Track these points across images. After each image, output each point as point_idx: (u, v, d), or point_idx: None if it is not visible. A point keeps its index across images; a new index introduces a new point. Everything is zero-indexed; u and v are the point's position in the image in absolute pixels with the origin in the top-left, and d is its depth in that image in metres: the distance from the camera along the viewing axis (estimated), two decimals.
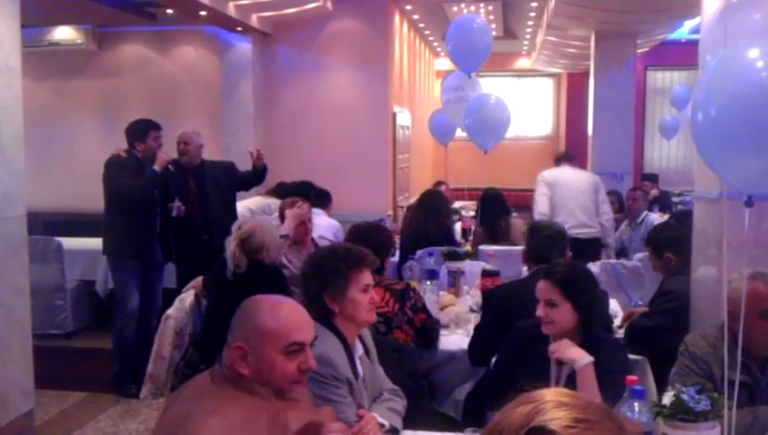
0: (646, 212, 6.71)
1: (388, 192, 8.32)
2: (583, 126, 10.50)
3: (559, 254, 3.32)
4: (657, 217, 6.73)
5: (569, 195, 5.97)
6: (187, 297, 3.87)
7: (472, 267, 4.59)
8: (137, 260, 4.98)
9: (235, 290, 3.19)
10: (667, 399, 2.00)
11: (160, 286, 5.20)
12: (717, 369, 2.36)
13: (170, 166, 4.94)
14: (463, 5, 9.30)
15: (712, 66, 2.10)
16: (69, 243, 6.16)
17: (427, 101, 12.02)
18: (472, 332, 3.46)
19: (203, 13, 6.79)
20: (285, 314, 1.86)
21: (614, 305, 3.95)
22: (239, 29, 7.65)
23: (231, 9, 6.96)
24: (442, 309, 3.87)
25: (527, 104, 14.83)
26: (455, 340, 3.57)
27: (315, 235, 4.78)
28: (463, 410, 3.28)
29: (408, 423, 2.48)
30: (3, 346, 3.80)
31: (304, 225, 4.36)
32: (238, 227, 3.66)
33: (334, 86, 8.15)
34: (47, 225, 7.14)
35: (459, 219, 7.10)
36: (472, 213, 7.43)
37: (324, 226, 5.37)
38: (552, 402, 1.06)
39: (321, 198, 6.00)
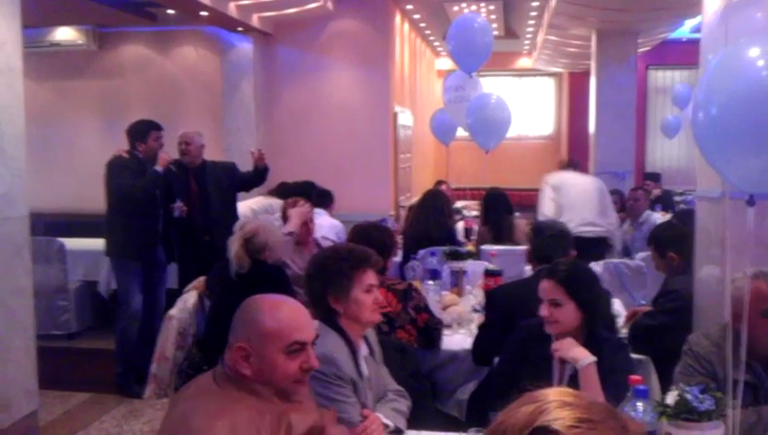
0: (648, 211, 6.71)
1: (389, 192, 8.32)
2: (585, 125, 10.49)
3: (562, 253, 3.32)
4: (659, 217, 6.73)
5: (575, 193, 5.99)
6: (190, 297, 3.88)
7: (474, 267, 4.60)
8: (139, 261, 4.98)
9: (238, 290, 3.17)
10: (671, 398, 2.00)
11: (164, 287, 5.21)
12: (721, 368, 2.35)
13: (172, 166, 4.95)
14: (464, 5, 9.30)
15: (712, 65, 2.09)
16: (71, 244, 6.17)
17: (429, 101, 12.02)
18: (474, 331, 3.46)
19: (204, 13, 6.79)
20: (286, 313, 1.86)
21: (617, 305, 3.95)
22: (240, 29, 7.66)
23: (232, 9, 6.96)
24: (444, 309, 3.87)
25: (528, 104, 14.80)
26: (457, 340, 3.57)
27: (317, 235, 4.78)
28: (466, 410, 3.28)
29: (412, 423, 2.47)
30: (6, 347, 3.80)
31: (306, 225, 4.37)
32: (241, 227, 3.67)
33: (335, 86, 8.15)
34: (49, 225, 7.14)
35: (461, 219, 7.10)
36: (474, 213, 7.45)
37: (326, 226, 5.37)
38: (555, 402, 1.06)
39: (323, 199, 5.99)
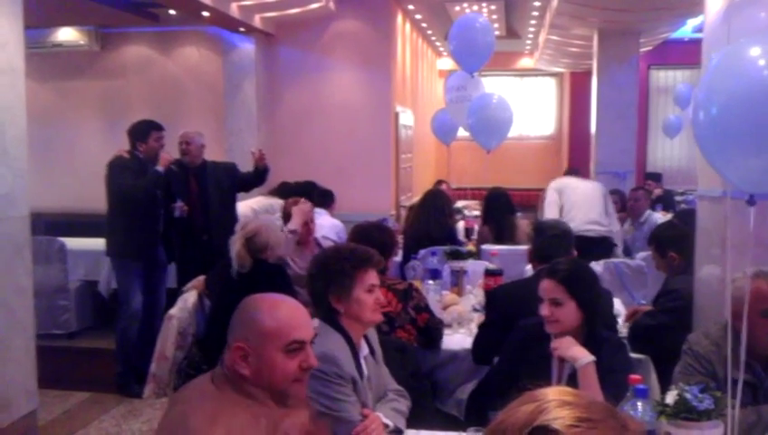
0: (649, 211, 6.71)
1: (390, 192, 8.32)
2: (586, 125, 10.49)
3: (564, 253, 3.31)
4: (660, 216, 6.72)
5: (577, 194, 6.02)
6: (190, 297, 3.88)
7: (474, 267, 4.60)
8: (140, 261, 4.99)
9: (239, 289, 3.17)
10: (671, 398, 2.00)
11: (164, 287, 5.21)
12: (720, 368, 2.35)
13: (173, 166, 4.95)
14: (465, 5, 9.30)
15: (713, 64, 2.09)
16: (72, 243, 6.18)
17: (430, 101, 12.02)
18: (474, 331, 3.46)
19: (205, 13, 6.79)
20: (284, 312, 1.86)
21: (617, 305, 3.94)
22: (242, 30, 7.66)
23: (234, 10, 6.96)
24: (445, 308, 3.88)
25: (530, 104, 14.81)
26: (457, 339, 3.57)
27: (318, 235, 4.78)
28: (465, 410, 3.27)
29: (411, 422, 2.47)
30: (6, 346, 3.81)
31: (307, 225, 4.37)
32: (243, 227, 3.68)
33: (337, 86, 8.15)
34: (49, 225, 7.16)
35: (462, 219, 7.10)
36: (475, 212, 7.45)
37: (327, 226, 5.37)
38: (555, 401, 1.06)
39: (324, 198, 6.00)
